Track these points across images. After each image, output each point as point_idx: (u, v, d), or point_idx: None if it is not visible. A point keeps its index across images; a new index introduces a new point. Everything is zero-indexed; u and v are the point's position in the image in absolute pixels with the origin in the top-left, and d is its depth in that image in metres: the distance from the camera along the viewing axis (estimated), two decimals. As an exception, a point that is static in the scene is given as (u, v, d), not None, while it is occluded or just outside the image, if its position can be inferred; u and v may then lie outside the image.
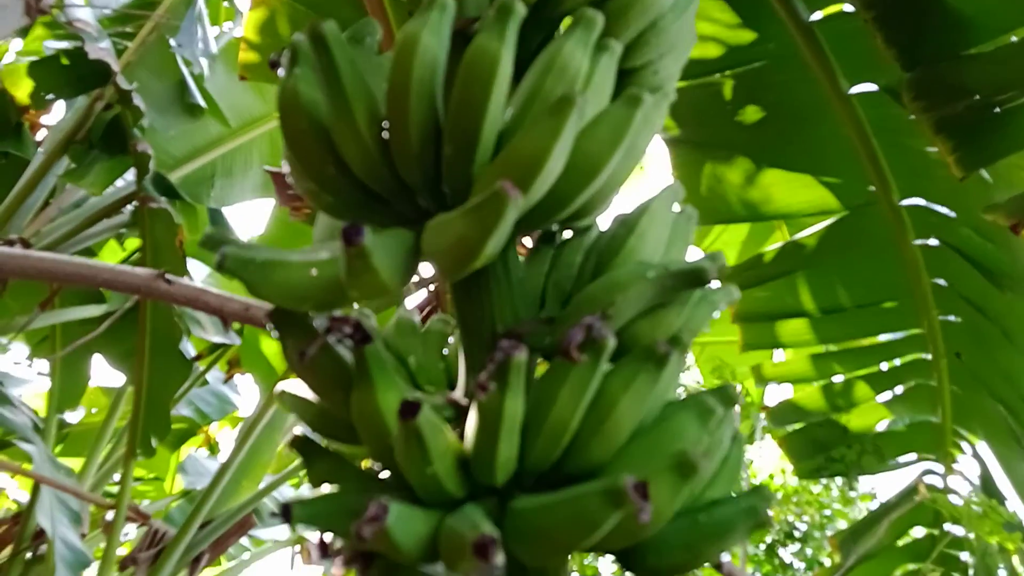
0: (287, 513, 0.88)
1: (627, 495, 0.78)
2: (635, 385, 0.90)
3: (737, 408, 1.08)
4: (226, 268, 0.84)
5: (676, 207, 1.07)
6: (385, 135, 0.97)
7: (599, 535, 0.84)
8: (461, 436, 0.93)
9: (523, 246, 1.25)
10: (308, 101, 0.97)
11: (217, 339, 5.42)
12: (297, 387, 1.05)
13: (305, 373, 0.95)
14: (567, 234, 1.17)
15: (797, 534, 7.72)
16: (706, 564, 0.98)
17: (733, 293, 1.05)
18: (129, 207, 4.98)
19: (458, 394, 1.04)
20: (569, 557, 1.04)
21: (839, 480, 7.99)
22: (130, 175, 4.91)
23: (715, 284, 1.07)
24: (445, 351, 1.22)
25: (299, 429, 1.11)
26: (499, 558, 0.77)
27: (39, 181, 4.78)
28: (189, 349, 5.34)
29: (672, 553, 0.95)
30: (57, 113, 5.29)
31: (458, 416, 1.01)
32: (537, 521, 0.86)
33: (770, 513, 0.95)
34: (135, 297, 4.44)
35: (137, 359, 4.73)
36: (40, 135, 5.29)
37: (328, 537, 0.99)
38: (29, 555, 5.20)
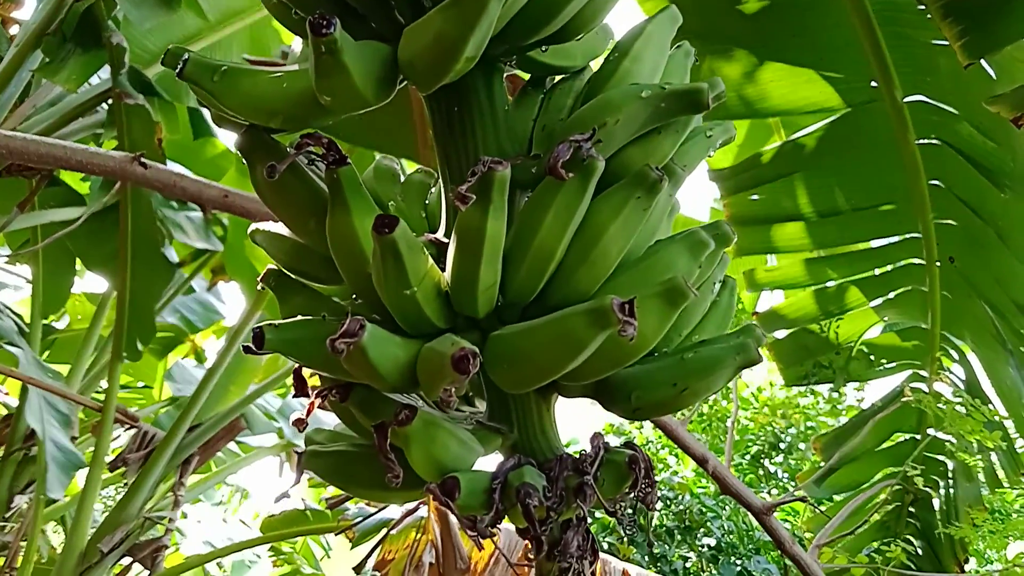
0: (259, 339, 0.83)
1: (613, 314, 0.74)
2: (625, 212, 0.84)
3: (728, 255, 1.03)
4: (187, 75, 0.77)
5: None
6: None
7: (582, 358, 0.80)
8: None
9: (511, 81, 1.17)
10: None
11: (200, 244, 5.33)
12: (271, 226, 1.00)
13: (276, 198, 0.88)
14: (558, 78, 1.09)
15: (782, 446, 7.87)
16: (691, 404, 0.94)
17: (730, 130, 0.98)
18: (105, 106, 4.82)
19: (439, 234, 0.98)
20: (552, 399, 1.01)
21: (826, 393, 8.12)
22: (106, 74, 4.73)
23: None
24: (427, 202, 1.16)
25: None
26: (476, 367, 0.72)
27: (12, 76, 4.59)
28: (172, 255, 5.27)
29: (657, 389, 0.91)
30: (29, 8, 5.06)
31: (440, 255, 0.96)
32: (519, 344, 0.81)
33: (760, 351, 0.91)
34: (115, 193, 4.34)
35: (119, 262, 4.65)
36: (13, 31, 5.07)
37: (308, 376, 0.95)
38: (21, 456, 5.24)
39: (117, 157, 2.48)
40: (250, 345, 0.87)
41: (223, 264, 5.74)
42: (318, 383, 0.98)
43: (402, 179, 1.15)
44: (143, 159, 2.47)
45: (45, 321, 6.31)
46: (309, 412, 0.89)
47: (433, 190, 1.15)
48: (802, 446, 7.75)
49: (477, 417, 1.04)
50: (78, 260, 5.60)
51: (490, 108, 0.95)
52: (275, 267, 0.97)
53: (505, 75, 1.02)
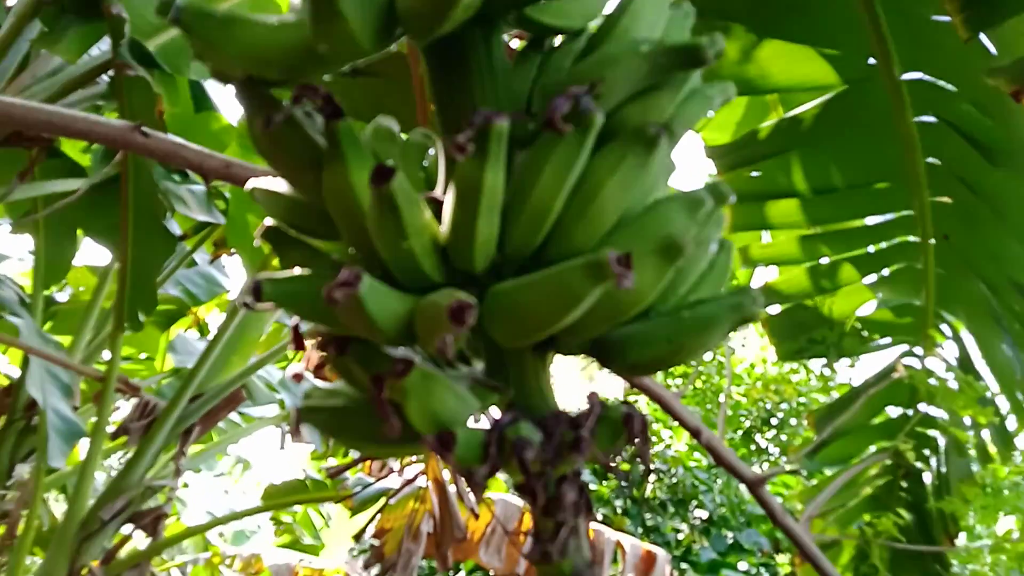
0: (257, 290, 0.85)
1: (609, 267, 0.76)
2: (622, 168, 0.86)
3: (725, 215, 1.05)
4: (182, 23, 0.78)
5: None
6: None
7: (578, 312, 0.82)
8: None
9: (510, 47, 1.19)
10: None
11: (202, 217, 5.35)
12: (270, 182, 1.01)
13: (273, 152, 0.90)
14: (558, 41, 1.11)
15: (774, 421, 7.95)
16: (687, 361, 0.97)
17: (729, 90, 1.00)
18: (105, 77, 4.81)
19: (438, 192, 1.00)
20: (549, 358, 1.03)
21: (818, 370, 8.17)
22: (106, 45, 4.72)
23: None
24: (425, 163, 1.18)
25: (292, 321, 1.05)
26: (473, 318, 0.75)
27: (9, 46, 4.58)
28: (174, 227, 5.28)
29: (654, 346, 0.93)
30: (27, -24, 5.02)
31: (438, 214, 0.98)
32: (516, 298, 0.83)
33: (756, 310, 0.93)
34: (116, 163, 4.35)
35: (121, 233, 4.66)
36: (10, 1, 5.05)
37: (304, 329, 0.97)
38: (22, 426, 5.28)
39: (118, 126, 2.49)
40: (249, 300, 0.89)
41: (225, 237, 5.75)
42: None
43: (400, 139, 1.17)
44: (144, 128, 2.48)
45: (47, 292, 6.34)
46: (307, 366, 0.91)
47: (432, 152, 1.16)
48: (793, 422, 7.83)
49: (474, 375, 1.07)
50: (79, 232, 5.63)
51: (489, 66, 0.97)
52: (273, 223, 0.99)
53: (505, 39, 1.04)
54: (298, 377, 0.90)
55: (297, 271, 0.91)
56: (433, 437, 0.86)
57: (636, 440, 0.90)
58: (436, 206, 0.98)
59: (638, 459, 0.90)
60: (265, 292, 0.86)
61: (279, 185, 0.99)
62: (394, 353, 0.90)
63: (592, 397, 0.93)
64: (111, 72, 4.74)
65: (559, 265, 0.81)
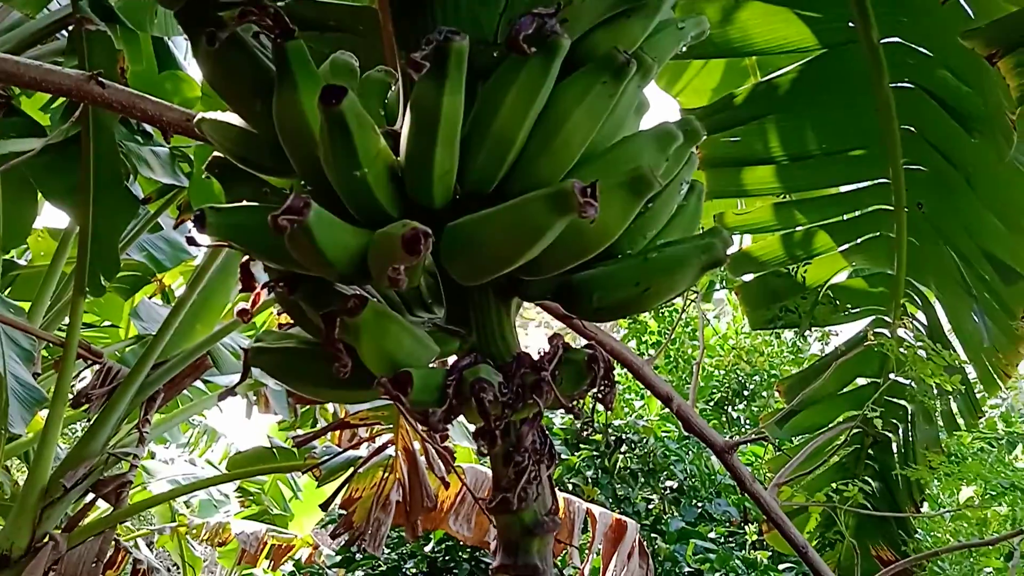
0: (201, 221, 0.80)
1: (574, 197, 0.71)
2: (589, 97, 0.81)
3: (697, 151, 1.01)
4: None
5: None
6: None
7: (540, 246, 0.77)
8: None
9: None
10: None
11: (166, 180, 5.21)
12: (218, 115, 0.95)
13: (219, 75, 0.84)
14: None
15: (746, 393, 8.01)
16: (655, 304, 0.92)
17: (703, 24, 0.95)
18: (65, 33, 4.65)
19: (397, 127, 0.94)
20: (513, 304, 0.98)
21: (790, 343, 8.24)
22: (66, -1, 4.55)
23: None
24: (386, 100, 1.12)
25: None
26: (427, 248, 0.69)
27: (-36, -2, 4.39)
28: (137, 190, 5.15)
29: (620, 289, 0.89)
30: (-19, -75, 4.81)
31: (396, 148, 0.92)
32: (475, 231, 0.78)
33: (726, 251, 0.89)
34: (74, 121, 4.20)
35: (81, 195, 4.53)
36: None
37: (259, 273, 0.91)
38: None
39: (73, 75, 2.38)
40: (192, 235, 0.83)
41: (189, 201, 5.62)
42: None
43: (360, 75, 1.10)
44: (100, 78, 2.37)
45: (6, 256, 6.17)
46: (255, 304, 0.86)
47: (393, 88, 1.10)
48: (764, 394, 7.90)
49: (435, 322, 1.02)
50: (39, 194, 5.46)
51: (454, 2, 0.91)
52: (221, 155, 0.93)
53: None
54: (244, 314, 0.84)
55: (244, 203, 0.85)
56: (388, 378, 0.81)
57: (600, 383, 0.86)
58: (394, 141, 0.93)
59: (598, 401, 0.86)
60: (209, 223, 0.80)
61: (228, 117, 0.93)
62: (347, 291, 0.85)
63: (555, 339, 0.89)
64: (71, 26, 4.58)
65: (521, 197, 0.76)
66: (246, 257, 0.90)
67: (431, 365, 0.92)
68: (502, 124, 0.79)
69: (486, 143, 0.80)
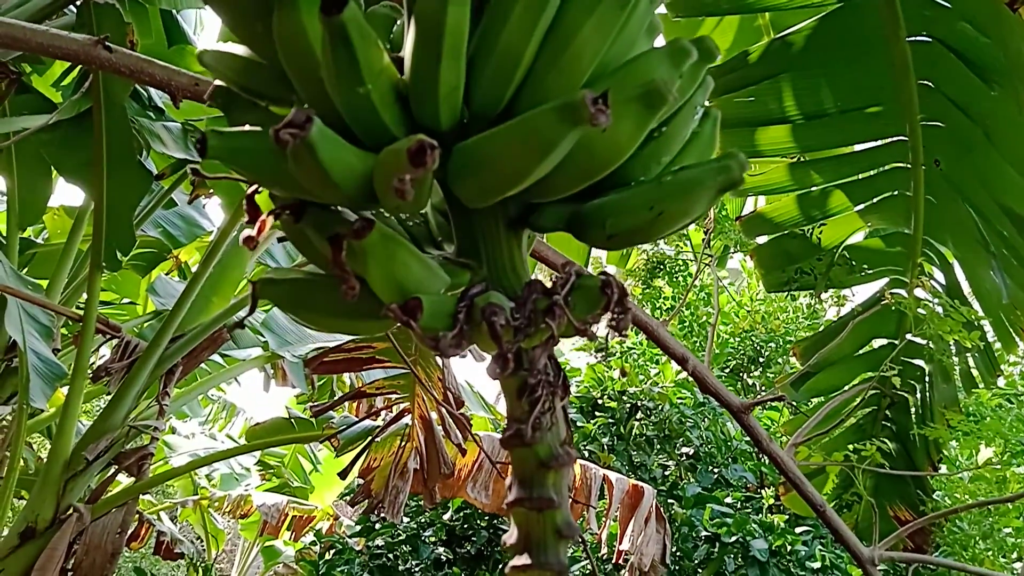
0: (202, 145, 0.79)
1: (585, 107, 0.69)
2: (600, 10, 0.79)
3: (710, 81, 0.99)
4: None
5: None
6: None
7: (550, 162, 0.75)
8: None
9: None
10: None
11: (179, 155, 5.22)
12: (220, 46, 0.93)
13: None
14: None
15: (761, 360, 7.98)
16: (669, 230, 0.91)
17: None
18: (74, 8, 4.64)
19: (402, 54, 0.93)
20: (524, 235, 0.97)
21: (805, 310, 8.19)
22: (74, -27, 4.54)
23: None
24: (391, 35, 1.10)
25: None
26: (434, 161, 0.68)
27: (-28, -27, 4.39)
28: (150, 165, 5.16)
29: (633, 213, 0.87)
30: (-13, -100, 4.80)
31: (402, 71, 0.90)
32: (483, 148, 0.77)
33: (742, 174, 0.87)
34: (84, 92, 4.21)
35: (95, 170, 4.55)
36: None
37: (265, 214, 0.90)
38: (3, 368, 5.22)
39: (80, 40, 2.38)
40: (197, 166, 0.82)
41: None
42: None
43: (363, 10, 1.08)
44: (108, 43, 2.37)
45: (23, 235, 6.22)
46: (260, 231, 0.85)
47: (400, 22, 1.08)
48: (780, 360, 7.86)
49: (445, 256, 1.01)
50: (54, 172, 5.50)
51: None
52: (224, 85, 0.91)
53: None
54: (249, 241, 0.83)
55: (247, 127, 0.84)
56: (397, 305, 0.80)
57: (614, 308, 0.84)
58: (399, 66, 0.91)
59: (613, 328, 0.84)
60: (211, 146, 0.79)
61: (231, 48, 0.92)
62: (354, 218, 0.84)
63: (568, 266, 0.88)
64: (79, 1, 4.58)
65: (530, 111, 0.74)
66: (252, 188, 0.90)
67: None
68: (509, 37, 0.77)
69: (493, 58, 0.78)
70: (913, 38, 3.13)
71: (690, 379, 6.39)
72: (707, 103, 0.98)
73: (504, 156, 0.75)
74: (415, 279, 0.83)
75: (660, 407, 6.91)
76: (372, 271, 0.79)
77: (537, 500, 0.96)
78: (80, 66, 5.12)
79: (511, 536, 0.97)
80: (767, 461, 7.41)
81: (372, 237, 0.77)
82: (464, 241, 0.97)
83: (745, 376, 8.15)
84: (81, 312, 4.78)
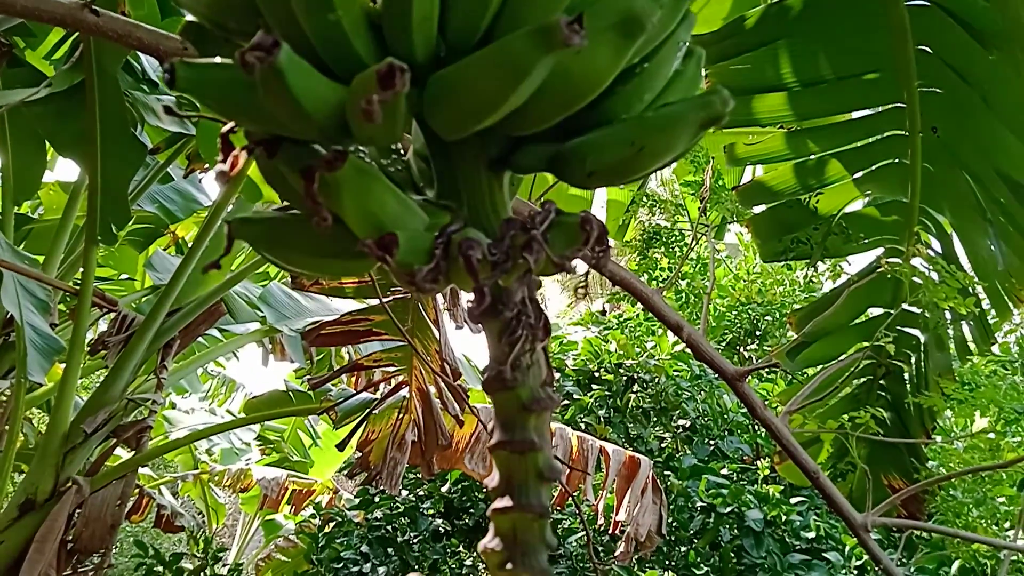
0: (171, 75, 0.77)
1: (560, 29, 0.68)
2: (576, -65, 0.77)
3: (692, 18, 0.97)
4: None
5: None
6: None
7: (526, 89, 0.74)
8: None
9: None
10: None
11: (173, 128, 5.19)
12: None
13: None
14: None
15: (758, 333, 7.99)
16: (651, 167, 0.90)
17: None
18: (65, -23, 4.59)
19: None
20: (504, 177, 0.96)
21: (802, 282, 8.18)
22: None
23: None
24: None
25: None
26: (404, 83, 0.67)
27: (-40, -58, 4.33)
28: (145, 139, 5.14)
29: (614, 149, 0.86)
30: None
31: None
32: (457, 77, 0.76)
33: (725, 109, 0.86)
34: (75, 61, 4.18)
35: (88, 143, 4.52)
36: None
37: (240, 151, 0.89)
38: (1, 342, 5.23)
39: (66, 3, 2.35)
40: (171, 105, 0.81)
41: (198, 151, 5.60)
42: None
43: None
44: (95, 6, 2.34)
45: (19, 211, 6.20)
46: (233, 168, 0.84)
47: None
48: (777, 333, 7.88)
49: (426, 199, 1.00)
50: (48, 147, 5.47)
51: None
52: (195, 20, 0.90)
53: None
54: (223, 176, 0.81)
55: (218, 59, 0.83)
56: (373, 241, 0.79)
57: (594, 245, 0.83)
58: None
59: (592, 267, 0.84)
60: (180, 77, 0.78)
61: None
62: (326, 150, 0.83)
63: (547, 204, 0.87)
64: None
65: (504, 37, 0.73)
66: (227, 126, 0.88)
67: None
68: (483, -34, 0.76)
69: (467, -13, 0.77)
70: (911, 2, 3.10)
71: (687, 351, 6.39)
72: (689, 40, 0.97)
73: (479, 82, 0.74)
74: (391, 214, 0.82)
75: (656, 379, 6.93)
76: (346, 205, 0.79)
77: (519, 443, 0.96)
78: (72, 39, 5.08)
79: (492, 479, 0.97)
80: (763, 433, 7.44)
81: (345, 169, 0.76)
82: (444, 183, 0.96)
83: (742, 349, 8.16)
84: (78, 287, 4.78)
